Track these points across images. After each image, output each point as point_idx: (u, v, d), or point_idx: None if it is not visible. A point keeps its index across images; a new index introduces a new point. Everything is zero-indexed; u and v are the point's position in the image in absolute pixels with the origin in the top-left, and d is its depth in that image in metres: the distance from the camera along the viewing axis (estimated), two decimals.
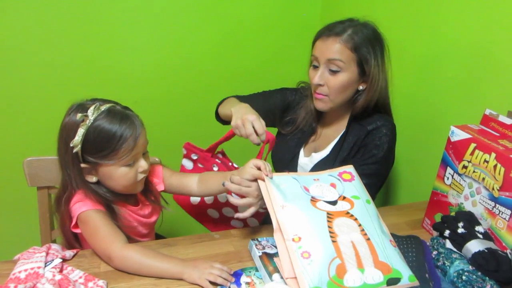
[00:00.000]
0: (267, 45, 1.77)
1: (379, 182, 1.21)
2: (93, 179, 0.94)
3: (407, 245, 0.92)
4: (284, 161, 1.31)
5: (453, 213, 0.99)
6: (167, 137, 1.59)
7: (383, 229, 0.89)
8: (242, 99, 1.34)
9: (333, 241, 0.82)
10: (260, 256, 0.89)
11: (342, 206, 0.91)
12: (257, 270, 0.90)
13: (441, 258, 0.90)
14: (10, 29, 1.41)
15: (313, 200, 0.91)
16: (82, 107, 0.90)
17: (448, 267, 0.88)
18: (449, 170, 1.03)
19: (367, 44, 1.11)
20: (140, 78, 1.62)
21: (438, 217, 1.06)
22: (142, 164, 0.94)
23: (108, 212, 0.94)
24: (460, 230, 0.91)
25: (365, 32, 1.12)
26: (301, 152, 1.30)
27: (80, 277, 0.84)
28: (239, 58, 1.77)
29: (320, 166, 1.22)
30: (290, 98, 1.34)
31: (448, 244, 0.93)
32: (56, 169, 1.22)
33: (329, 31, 1.12)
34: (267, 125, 1.31)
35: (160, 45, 1.63)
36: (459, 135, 0.99)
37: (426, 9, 1.33)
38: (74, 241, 0.99)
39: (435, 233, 1.02)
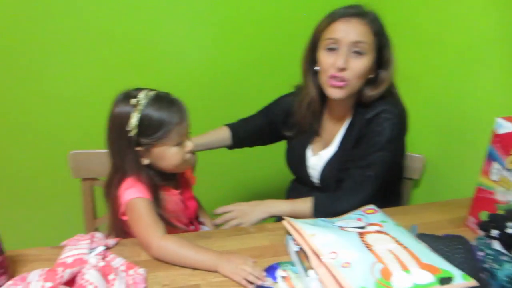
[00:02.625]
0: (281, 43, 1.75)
1: (388, 171, 1.13)
2: (146, 161, 0.99)
3: (453, 245, 0.87)
4: (294, 164, 1.29)
5: (501, 212, 0.93)
6: None
7: (420, 242, 0.86)
8: (246, 121, 1.38)
9: (370, 250, 0.80)
10: (296, 252, 0.89)
11: (371, 228, 0.91)
12: (293, 265, 0.90)
13: (489, 260, 0.85)
14: (60, 28, 1.47)
15: (341, 227, 0.92)
16: (129, 95, 0.95)
17: (497, 271, 0.82)
18: (495, 165, 0.97)
19: (384, 31, 1.09)
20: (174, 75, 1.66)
21: (483, 215, 1.01)
22: (189, 144, 1.01)
23: (154, 197, 0.98)
24: (510, 230, 0.86)
25: (380, 20, 1.09)
26: (308, 152, 1.26)
27: (122, 265, 0.87)
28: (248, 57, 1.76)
29: (331, 165, 1.18)
30: (289, 104, 1.29)
31: (496, 245, 0.88)
32: (98, 161, 1.29)
33: (351, 12, 1.06)
34: (273, 138, 1.40)
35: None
36: (506, 127, 0.93)
37: None
38: (121, 228, 1.03)
39: (481, 233, 0.97)
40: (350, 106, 1.17)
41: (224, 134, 1.37)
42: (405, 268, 0.74)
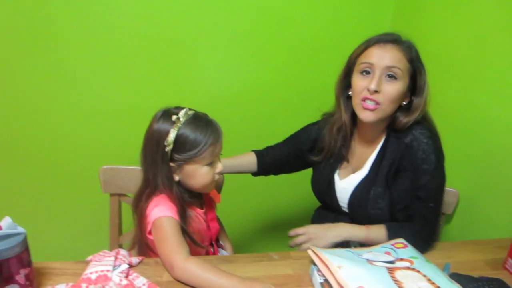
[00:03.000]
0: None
1: (443, 197, 1.13)
2: (176, 178, 1.01)
3: None
4: (321, 189, 1.27)
5: None
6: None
7: (453, 282, 0.82)
8: (273, 148, 1.39)
9: (399, 286, 0.77)
10: (321, 283, 0.86)
11: (401, 264, 0.87)
12: None
13: None
14: (98, 44, 1.53)
15: (369, 261, 0.89)
16: (169, 112, 0.99)
17: None
18: None
19: (419, 58, 1.11)
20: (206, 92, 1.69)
21: None
22: (219, 166, 1.04)
23: (182, 213, 1.00)
24: None
25: (415, 48, 1.11)
26: (336, 176, 1.24)
27: (144, 284, 0.87)
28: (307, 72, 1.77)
29: (362, 187, 1.16)
30: (316, 132, 1.31)
31: None
32: (127, 178, 1.31)
33: (386, 38, 1.09)
34: (299, 166, 1.40)
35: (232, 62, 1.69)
36: None
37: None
38: (146, 244, 1.04)
39: None
40: (382, 130, 1.17)
41: (250, 160, 1.38)
42: None
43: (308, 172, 1.37)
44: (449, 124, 1.39)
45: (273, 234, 2.03)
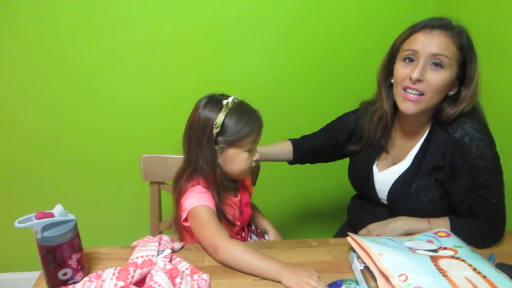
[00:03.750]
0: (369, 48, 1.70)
1: (504, 191, 1.06)
2: (218, 160, 1.05)
3: None
4: (359, 180, 1.24)
5: None
6: None
7: (500, 272, 0.79)
8: (309, 138, 1.38)
9: (444, 275, 0.75)
10: (361, 270, 0.86)
11: (444, 252, 0.85)
12: (357, 283, 0.87)
13: None
14: (135, 34, 1.56)
15: (411, 249, 0.87)
16: (214, 99, 1.03)
17: None
18: None
19: (471, 45, 1.02)
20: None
21: None
22: (257, 154, 1.09)
23: (218, 196, 1.04)
24: None
25: (467, 34, 1.02)
26: (375, 168, 1.20)
27: (187, 269, 0.90)
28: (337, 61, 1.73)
29: (403, 181, 1.12)
30: (353, 121, 1.27)
31: None
32: (166, 166, 1.35)
33: (434, 23, 1.01)
34: (335, 156, 1.38)
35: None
36: None
37: None
38: (183, 227, 1.08)
39: None
40: (426, 122, 1.11)
41: (287, 148, 1.38)
42: None
43: (346, 159, 1.36)
44: (500, 115, 1.31)
45: (310, 221, 2.03)
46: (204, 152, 1.02)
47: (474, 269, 0.77)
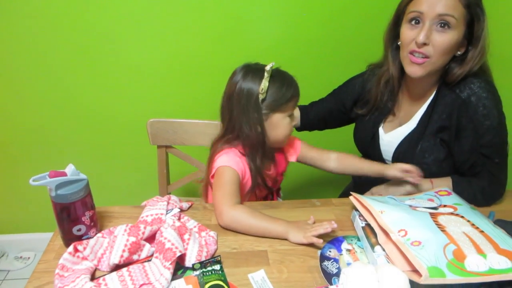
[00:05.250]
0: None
1: (508, 151, 1.08)
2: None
3: None
4: (365, 142, 1.25)
5: None
6: None
7: (497, 227, 0.82)
8: (317, 104, 1.38)
9: (442, 230, 0.78)
10: (363, 227, 0.89)
11: (444, 210, 0.87)
12: (359, 239, 0.90)
13: None
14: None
15: (412, 207, 0.90)
16: (251, 68, 1.03)
17: None
18: None
19: (479, 3, 0.99)
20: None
21: None
22: (297, 118, 1.11)
23: (255, 163, 1.06)
24: None
25: None
26: (381, 130, 1.22)
27: (195, 227, 0.94)
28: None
29: (409, 141, 1.13)
30: (360, 85, 1.27)
31: None
32: (173, 130, 1.37)
33: None
34: (342, 121, 1.38)
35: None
36: None
37: None
38: (210, 185, 1.11)
39: None
40: (433, 83, 1.10)
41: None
42: (480, 252, 0.71)
43: (351, 125, 1.36)
44: (508, 74, 1.29)
45: (316, 183, 2.05)
46: (251, 119, 1.02)
47: (473, 225, 0.79)
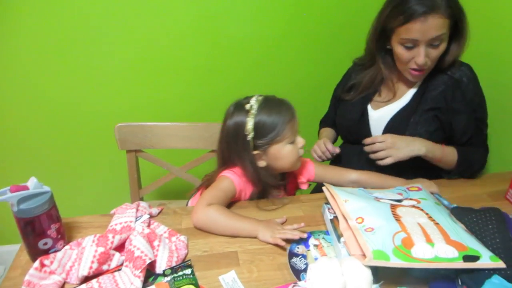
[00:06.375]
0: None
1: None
2: (263, 163, 1.03)
3: (486, 217, 0.87)
4: (353, 119, 1.29)
5: None
6: None
7: (456, 222, 0.86)
8: (327, 118, 1.51)
9: (397, 220, 0.82)
10: (331, 220, 0.92)
11: (407, 202, 0.92)
12: (325, 234, 0.93)
13: None
14: (109, 8, 1.52)
15: (376, 198, 0.94)
16: (240, 105, 1.02)
17: None
18: None
19: (457, 5, 1.07)
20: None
21: None
22: (300, 140, 1.05)
23: (258, 195, 1.07)
24: None
25: None
26: (369, 107, 1.28)
27: (165, 232, 0.94)
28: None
29: (402, 114, 1.20)
30: (346, 78, 1.37)
31: None
32: (142, 134, 1.37)
33: (425, 9, 1.02)
34: None
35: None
36: None
37: None
38: None
39: None
40: None
41: (331, 132, 1.47)
42: (429, 241, 0.76)
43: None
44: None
45: None
46: (243, 160, 1.02)
47: (430, 217, 0.83)
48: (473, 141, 1.18)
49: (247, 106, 0.98)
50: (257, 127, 0.98)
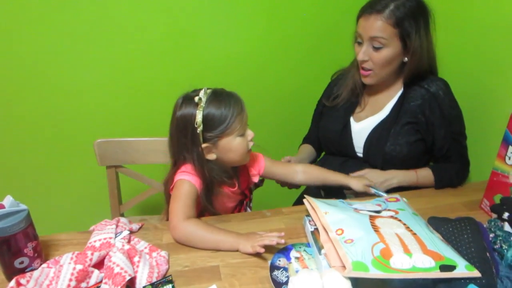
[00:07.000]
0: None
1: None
2: (213, 156, 1.03)
3: (461, 227, 0.89)
4: (336, 131, 1.33)
5: None
6: None
7: (433, 232, 0.88)
8: (309, 135, 1.54)
9: (376, 231, 0.83)
10: (312, 232, 0.93)
11: (386, 213, 0.94)
12: (306, 246, 0.94)
13: (498, 241, 0.87)
14: (83, 20, 1.51)
15: (356, 210, 0.96)
16: (188, 97, 1.00)
17: (505, 251, 0.84)
18: (511, 149, 0.97)
19: (410, 18, 1.12)
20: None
21: (497, 199, 1.02)
22: (250, 133, 1.05)
23: (208, 190, 1.04)
24: None
25: (408, 5, 1.12)
26: (351, 120, 1.31)
27: (145, 247, 0.93)
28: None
29: (382, 126, 1.23)
30: (329, 89, 1.42)
31: (507, 227, 0.89)
32: (121, 150, 1.36)
33: (371, 8, 1.12)
34: None
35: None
36: None
37: None
38: None
39: (493, 215, 0.98)
40: (394, 81, 1.25)
41: (310, 150, 1.51)
42: (407, 252, 0.77)
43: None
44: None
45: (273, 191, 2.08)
46: (190, 154, 1.01)
47: (407, 228, 0.85)
48: (451, 153, 1.22)
49: (196, 99, 0.97)
50: (206, 119, 0.98)
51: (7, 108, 1.58)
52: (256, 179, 1.18)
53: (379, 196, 1.14)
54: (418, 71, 1.19)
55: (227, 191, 1.10)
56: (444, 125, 1.19)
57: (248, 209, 1.24)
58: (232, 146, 1.02)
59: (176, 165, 1.06)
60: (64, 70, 1.56)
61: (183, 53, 1.64)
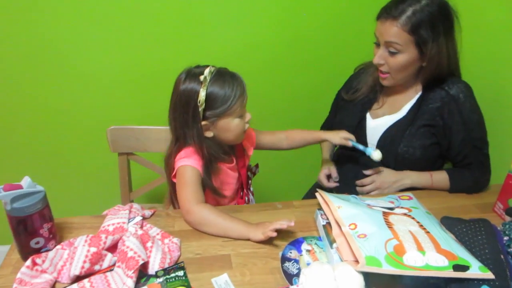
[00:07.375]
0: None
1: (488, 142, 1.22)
2: (210, 134, 1.04)
3: (475, 228, 0.89)
4: (351, 126, 1.32)
5: None
6: None
7: (446, 232, 0.88)
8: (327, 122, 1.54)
9: (389, 227, 0.83)
10: (324, 225, 0.93)
11: (399, 211, 0.94)
12: (318, 239, 0.94)
13: None
14: (95, 7, 1.52)
15: (369, 206, 0.96)
16: (191, 73, 1.00)
17: None
18: None
19: (427, 25, 1.07)
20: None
21: (511, 202, 1.01)
22: (248, 115, 1.07)
23: (208, 167, 1.05)
24: None
25: (427, 11, 1.06)
26: (368, 115, 1.30)
27: (158, 234, 0.94)
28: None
29: (398, 126, 1.21)
30: (351, 80, 1.40)
31: None
32: (133, 137, 1.36)
33: (387, 13, 1.09)
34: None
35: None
36: None
37: None
38: (174, 191, 1.10)
39: (507, 218, 0.98)
40: (413, 83, 1.22)
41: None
42: (421, 249, 0.77)
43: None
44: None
45: (280, 184, 2.08)
46: (190, 130, 1.01)
47: (421, 226, 0.85)
48: (470, 160, 1.18)
49: (201, 77, 0.97)
50: (209, 98, 0.98)
51: (27, 93, 1.59)
52: (250, 152, 1.21)
53: (357, 149, 1.19)
54: (437, 76, 1.16)
55: (224, 167, 1.12)
56: (463, 130, 1.14)
57: (250, 194, 1.26)
58: (230, 126, 1.03)
59: (176, 143, 1.07)
60: (81, 56, 1.57)
61: (198, 42, 1.63)
